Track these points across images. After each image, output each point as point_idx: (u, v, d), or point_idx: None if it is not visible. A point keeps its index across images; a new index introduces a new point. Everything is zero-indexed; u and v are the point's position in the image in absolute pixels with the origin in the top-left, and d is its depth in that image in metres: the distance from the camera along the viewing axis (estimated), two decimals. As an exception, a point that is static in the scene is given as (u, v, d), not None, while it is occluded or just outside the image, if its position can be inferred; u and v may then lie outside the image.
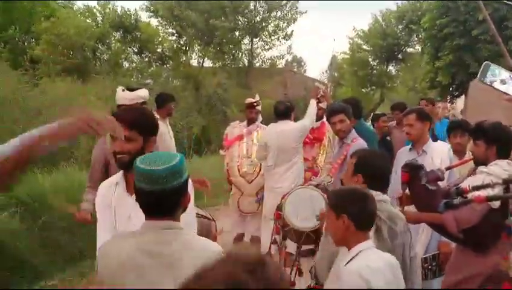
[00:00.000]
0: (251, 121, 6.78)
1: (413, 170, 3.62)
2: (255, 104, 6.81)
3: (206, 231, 3.90)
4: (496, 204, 3.26)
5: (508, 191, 3.27)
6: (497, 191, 3.28)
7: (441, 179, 3.67)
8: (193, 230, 2.69)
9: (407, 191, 3.62)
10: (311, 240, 4.30)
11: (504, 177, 3.29)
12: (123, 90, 4.65)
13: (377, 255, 2.60)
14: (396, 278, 2.59)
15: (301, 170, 6.17)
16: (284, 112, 6.20)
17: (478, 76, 3.91)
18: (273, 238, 4.83)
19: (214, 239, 4.01)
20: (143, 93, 4.69)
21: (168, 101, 6.82)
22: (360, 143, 4.83)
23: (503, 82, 4.17)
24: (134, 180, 2.21)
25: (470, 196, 3.27)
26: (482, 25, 19.40)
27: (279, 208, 4.57)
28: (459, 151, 4.99)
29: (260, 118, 7.08)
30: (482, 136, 3.68)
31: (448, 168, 4.07)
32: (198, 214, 3.91)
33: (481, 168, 3.59)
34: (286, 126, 6.10)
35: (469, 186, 3.36)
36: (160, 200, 2.18)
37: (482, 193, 3.22)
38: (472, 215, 3.27)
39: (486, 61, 4.02)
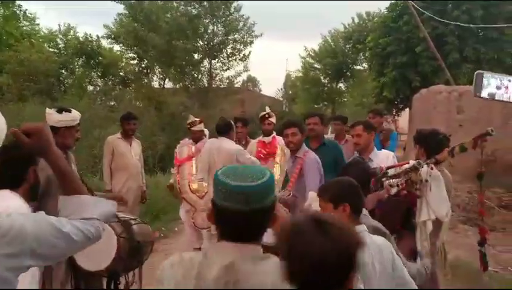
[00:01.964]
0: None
1: (372, 176, 4.03)
2: (267, 115, 6.77)
3: (148, 234, 3.97)
4: (393, 191, 3.79)
5: (409, 181, 3.76)
6: (398, 180, 3.83)
7: (376, 175, 4.04)
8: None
9: None
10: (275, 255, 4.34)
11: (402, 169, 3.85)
12: (60, 111, 4.20)
13: (370, 239, 2.65)
14: (385, 261, 2.67)
15: None
16: (223, 128, 6.09)
17: (473, 90, 4.00)
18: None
19: (153, 243, 4.08)
20: (76, 115, 4.28)
21: (122, 120, 6.83)
22: (312, 156, 4.86)
23: (498, 88, 4.43)
24: (214, 199, 1.76)
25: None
26: (423, 42, 19.90)
27: None
28: None
29: (207, 135, 7.01)
30: (416, 141, 4.30)
31: (388, 168, 4.30)
32: (138, 219, 3.96)
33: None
34: (224, 144, 5.97)
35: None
36: (252, 222, 1.75)
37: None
38: (372, 200, 3.73)
39: (477, 71, 4.16)
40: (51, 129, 3.71)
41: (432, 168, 3.78)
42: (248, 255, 1.73)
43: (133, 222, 3.75)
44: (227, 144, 5.93)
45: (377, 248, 2.66)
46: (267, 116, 6.76)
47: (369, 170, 3.89)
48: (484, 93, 4.31)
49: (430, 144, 4.13)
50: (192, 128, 6.70)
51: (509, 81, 4.55)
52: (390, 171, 4.04)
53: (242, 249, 1.73)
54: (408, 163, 4.06)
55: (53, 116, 4.16)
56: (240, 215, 1.70)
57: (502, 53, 21.26)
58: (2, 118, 1.99)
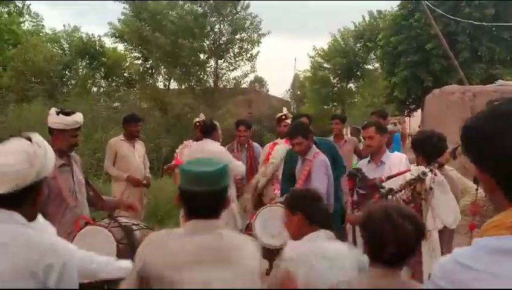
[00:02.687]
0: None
1: (350, 177, 4.33)
2: (284, 117, 6.73)
3: None
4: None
5: (415, 192, 3.75)
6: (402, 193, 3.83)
7: (380, 188, 4.05)
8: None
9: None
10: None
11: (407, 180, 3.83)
12: (58, 113, 4.19)
13: (318, 244, 2.65)
14: (332, 267, 2.51)
15: None
16: (207, 130, 6.11)
17: None
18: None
19: None
20: (78, 118, 4.26)
21: (125, 122, 6.82)
22: (322, 158, 4.94)
23: None
24: (179, 184, 2.33)
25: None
26: (434, 40, 19.82)
27: (249, 227, 4.62)
28: None
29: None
30: (414, 148, 4.29)
31: (388, 178, 4.26)
32: (140, 225, 3.92)
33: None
34: (208, 145, 5.96)
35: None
36: (213, 201, 2.31)
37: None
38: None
39: None
40: (48, 130, 3.70)
41: (435, 174, 3.72)
42: (210, 226, 2.30)
43: (134, 227, 3.72)
44: (211, 146, 5.93)
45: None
46: (283, 117, 6.72)
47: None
48: None
49: (427, 149, 4.08)
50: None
51: None
52: (394, 185, 3.93)
53: (207, 224, 2.31)
54: (409, 170, 4.00)
55: (50, 117, 4.18)
56: (198, 195, 2.25)
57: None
58: (51, 149, 2.18)
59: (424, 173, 3.70)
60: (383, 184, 4.09)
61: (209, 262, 2.22)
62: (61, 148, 4.09)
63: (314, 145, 5.11)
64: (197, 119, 6.92)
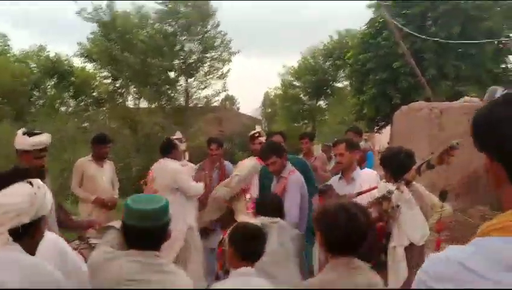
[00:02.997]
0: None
1: (321, 193, 4.46)
2: (257, 134, 6.62)
3: None
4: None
5: (382, 210, 3.87)
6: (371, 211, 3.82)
7: None
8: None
9: None
10: None
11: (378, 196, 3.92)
12: (23, 134, 4.19)
13: (232, 281, 2.99)
14: None
15: (181, 212, 5.70)
16: (165, 149, 6.09)
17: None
18: (216, 273, 4.80)
19: None
20: (44, 138, 4.22)
21: (94, 143, 6.70)
22: (297, 176, 4.94)
23: None
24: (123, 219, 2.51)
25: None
26: (402, 58, 20.16)
27: (222, 243, 4.59)
28: None
29: (187, 156, 6.97)
30: (381, 164, 4.31)
31: (358, 194, 4.30)
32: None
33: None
34: (167, 163, 5.98)
35: None
36: (151, 235, 2.49)
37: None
38: None
39: (492, 87, 4.08)
40: (16, 151, 3.71)
41: (402, 191, 3.74)
42: (150, 257, 2.48)
43: None
44: (170, 164, 5.94)
45: None
46: (257, 135, 6.62)
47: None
48: None
49: (394, 165, 4.07)
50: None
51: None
52: (362, 202, 3.91)
53: (143, 254, 2.47)
54: (376, 187, 4.03)
55: (16, 138, 4.16)
56: (138, 230, 2.45)
57: (480, 69, 21.63)
58: (49, 191, 2.43)
59: (390, 192, 3.73)
60: (353, 200, 4.13)
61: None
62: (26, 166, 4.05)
63: (289, 163, 5.09)
64: (174, 137, 6.82)
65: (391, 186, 3.81)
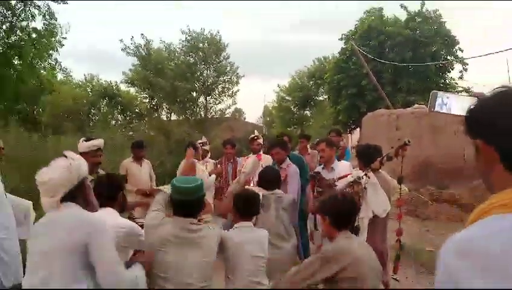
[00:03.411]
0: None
1: (311, 178, 4.49)
2: (255, 138, 6.54)
3: None
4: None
5: (354, 191, 3.82)
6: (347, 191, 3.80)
7: (333, 186, 4.17)
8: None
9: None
10: None
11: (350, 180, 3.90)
12: (83, 141, 4.28)
13: (236, 230, 3.09)
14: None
15: None
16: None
17: (428, 107, 3.72)
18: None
19: None
20: (97, 142, 4.26)
21: (133, 148, 6.62)
22: (294, 168, 4.88)
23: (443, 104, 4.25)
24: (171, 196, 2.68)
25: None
26: (367, 78, 20.18)
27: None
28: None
29: (209, 154, 6.90)
30: (357, 155, 4.30)
31: (339, 178, 4.31)
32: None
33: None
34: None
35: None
36: (191, 206, 2.66)
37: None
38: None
39: (433, 91, 4.02)
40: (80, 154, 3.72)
41: (369, 177, 3.78)
42: (187, 223, 2.64)
43: None
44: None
45: None
46: (255, 138, 6.58)
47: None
48: (437, 108, 4.20)
49: (364, 157, 4.09)
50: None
51: (448, 98, 4.51)
52: (341, 184, 4.06)
53: (185, 219, 2.64)
54: (351, 174, 4.05)
55: (79, 144, 4.19)
56: (182, 202, 2.63)
57: (427, 83, 21.63)
58: (81, 158, 2.43)
59: (359, 177, 3.77)
60: (336, 183, 4.16)
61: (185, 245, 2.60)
62: (91, 169, 4.04)
63: (287, 158, 5.04)
64: (199, 141, 6.72)
65: (361, 173, 3.82)
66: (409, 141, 3.81)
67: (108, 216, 2.59)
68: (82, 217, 2.25)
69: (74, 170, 2.29)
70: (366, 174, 3.76)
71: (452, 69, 23.48)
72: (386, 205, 3.82)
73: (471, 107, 1.18)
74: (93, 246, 2.16)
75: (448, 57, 23.11)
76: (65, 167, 2.27)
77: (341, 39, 25.22)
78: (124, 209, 2.88)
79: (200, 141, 6.66)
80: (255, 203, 3.18)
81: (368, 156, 4.05)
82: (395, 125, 10.85)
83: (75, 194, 2.32)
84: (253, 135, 6.68)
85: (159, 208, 2.80)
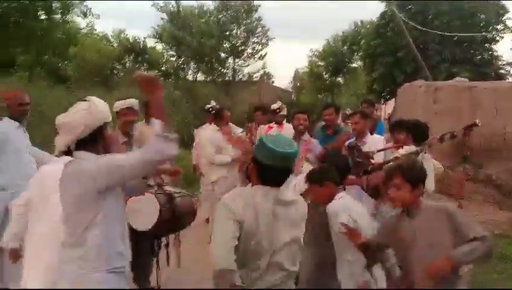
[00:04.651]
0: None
1: (350, 149, 4.29)
2: (278, 110, 6.42)
3: (190, 205, 3.88)
4: None
5: None
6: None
7: (372, 158, 4.08)
8: None
9: None
10: None
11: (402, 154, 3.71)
12: (116, 100, 4.29)
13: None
14: None
15: None
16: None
17: None
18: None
19: (195, 212, 3.96)
20: (128, 101, 4.19)
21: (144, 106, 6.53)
22: (315, 141, 4.94)
23: None
24: (257, 161, 2.20)
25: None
26: (405, 48, 19.60)
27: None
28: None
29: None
30: (402, 129, 4.11)
31: (379, 151, 4.26)
32: (182, 193, 3.87)
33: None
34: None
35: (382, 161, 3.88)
36: (285, 174, 2.22)
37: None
38: (377, 178, 3.54)
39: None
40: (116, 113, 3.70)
41: (425, 152, 3.76)
42: (277, 190, 2.20)
43: (176, 195, 3.71)
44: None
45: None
46: (278, 110, 6.46)
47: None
48: None
49: (417, 131, 4.03)
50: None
51: None
52: (379, 156, 4.04)
53: (276, 189, 2.20)
54: (401, 147, 3.97)
55: (116, 103, 4.16)
56: (278, 170, 2.16)
57: (472, 54, 20.94)
58: (102, 102, 2.38)
59: (422, 149, 3.72)
60: (373, 155, 4.15)
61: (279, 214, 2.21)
62: (121, 127, 4.10)
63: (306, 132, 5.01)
64: (208, 105, 6.60)
65: (414, 148, 3.77)
66: (478, 122, 3.78)
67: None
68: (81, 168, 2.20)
69: (94, 112, 2.27)
70: (421, 150, 3.70)
71: (500, 39, 22.55)
72: (433, 185, 3.79)
73: None
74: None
75: (498, 27, 22.14)
76: (85, 109, 2.27)
77: (381, 1, 24.42)
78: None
79: (208, 106, 6.58)
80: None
81: (421, 132, 4.02)
82: (432, 98, 10.54)
83: (95, 139, 2.29)
84: (275, 106, 6.54)
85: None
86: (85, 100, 2.34)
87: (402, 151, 3.81)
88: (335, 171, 3.18)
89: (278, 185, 2.21)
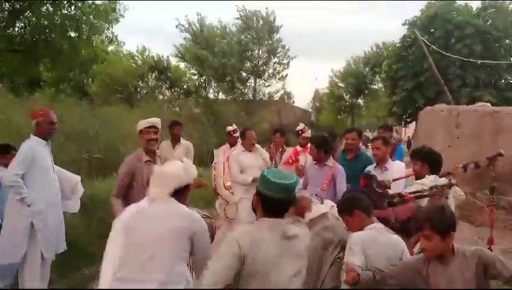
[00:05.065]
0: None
1: (367, 178, 3.99)
2: (301, 132, 6.39)
3: (209, 227, 3.85)
4: (424, 202, 3.44)
5: (443, 194, 3.50)
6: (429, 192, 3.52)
7: (388, 188, 3.90)
8: None
9: None
10: None
11: (430, 185, 3.55)
12: (141, 120, 4.30)
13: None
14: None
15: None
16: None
17: None
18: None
19: (214, 234, 3.94)
20: (151, 120, 4.24)
21: (170, 126, 6.44)
22: (341, 167, 4.65)
23: None
24: (260, 193, 2.31)
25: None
26: (427, 72, 19.45)
27: None
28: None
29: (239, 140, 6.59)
30: (419, 158, 3.95)
31: (394, 180, 4.16)
32: (202, 214, 3.87)
33: (417, 181, 3.82)
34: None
35: (406, 192, 3.59)
36: (286, 206, 2.33)
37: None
38: (407, 211, 3.39)
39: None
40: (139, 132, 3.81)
41: (453, 184, 3.66)
42: (282, 224, 2.29)
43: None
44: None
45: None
46: (300, 132, 6.42)
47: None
48: None
49: (433, 161, 3.91)
50: (234, 134, 6.35)
51: None
52: (399, 186, 3.83)
53: (281, 222, 2.30)
54: (411, 175, 3.87)
55: (140, 122, 4.24)
56: (278, 201, 2.26)
57: (496, 77, 20.66)
58: (193, 167, 2.79)
59: (453, 183, 3.61)
60: (390, 185, 4.00)
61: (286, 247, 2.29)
62: (145, 146, 4.16)
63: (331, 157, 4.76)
64: (230, 128, 6.50)
65: (441, 180, 3.66)
66: (502, 153, 3.72)
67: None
68: (190, 212, 2.64)
69: (188, 172, 2.69)
70: (450, 180, 3.58)
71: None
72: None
73: None
74: (199, 241, 2.56)
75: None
76: (182, 167, 2.68)
77: (404, 25, 24.43)
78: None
79: (230, 128, 6.49)
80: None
81: (437, 161, 3.90)
82: (455, 122, 10.44)
83: (180, 193, 2.66)
84: (299, 128, 6.51)
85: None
86: (181, 160, 2.81)
87: (427, 181, 3.65)
88: (365, 199, 3.09)
89: (281, 215, 2.31)
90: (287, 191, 2.26)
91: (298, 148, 6.37)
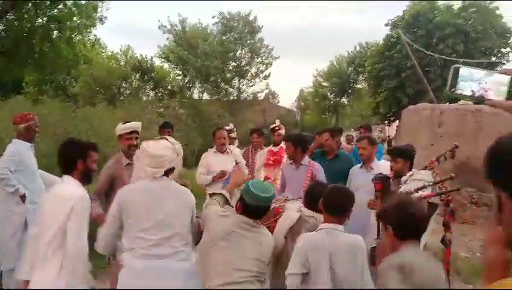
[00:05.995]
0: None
1: (384, 180, 3.94)
2: (277, 128, 6.25)
3: (197, 229, 3.80)
4: (436, 199, 3.48)
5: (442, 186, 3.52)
6: (430, 190, 3.48)
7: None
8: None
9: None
10: None
11: (433, 181, 3.55)
12: (121, 123, 4.19)
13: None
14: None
15: None
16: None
17: (448, 87, 2.70)
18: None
19: (201, 234, 3.89)
20: (130, 125, 4.13)
21: (160, 128, 6.29)
22: (318, 165, 4.62)
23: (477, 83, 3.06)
24: (243, 199, 2.78)
25: (416, 195, 3.33)
26: (410, 70, 19.66)
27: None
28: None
29: (237, 142, 6.67)
30: (402, 156, 4.05)
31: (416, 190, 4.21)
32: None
33: (412, 177, 3.80)
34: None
35: (413, 189, 3.49)
36: (263, 211, 2.83)
37: (425, 192, 3.40)
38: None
39: (454, 65, 2.91)
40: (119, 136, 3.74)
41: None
42: (252, 223, 2.76)
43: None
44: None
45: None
46: (276, 128, 6.27)
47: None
48: (459, 90, 3.26)
49: (413, 158, 4.09)
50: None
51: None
52: (415, 183, 3.64)
53: (253, 222, 2.77)
54: (404, 175, 3.89)
55: (119, 127, 4.13)
56: (257, 208, 2.77)
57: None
58: (178, 144, 2.90)
59: (453, 175, 3.45)
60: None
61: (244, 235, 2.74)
62: (125, 150, 4.06)
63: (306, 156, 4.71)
64: (227, 127, 6.34)
65: (429, 173, 3.76)
66: (457, 146, 3.86)
67: (66, 185, 2.72)
68: (184, 188, 2.89)
69: (177, 152, 2.84)
70: (451, 175, 3.45)
71: (506, 63, 22.63)
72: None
73: (493, 148, 0.95)
74: (194, 212, 2.87)
75: (503, 50, 22.25)
76: (171, 149, 2.80)
77: (387, 25, 24.64)
78: (87, 179, 2.86)
79: (227, 128, 6.35)
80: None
81: (412, 157, 4.04)
82: (437, 121, 10.56)
83: (168, 173, 2.81)
84: (274, 125, 6.38)
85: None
86: (166, 139, 2.86)
87: (425, 177, 3.64)
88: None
89: (258, 218, 2.82)
90: (264, 202, 2.76)
91: (273, 148, 6.14)
